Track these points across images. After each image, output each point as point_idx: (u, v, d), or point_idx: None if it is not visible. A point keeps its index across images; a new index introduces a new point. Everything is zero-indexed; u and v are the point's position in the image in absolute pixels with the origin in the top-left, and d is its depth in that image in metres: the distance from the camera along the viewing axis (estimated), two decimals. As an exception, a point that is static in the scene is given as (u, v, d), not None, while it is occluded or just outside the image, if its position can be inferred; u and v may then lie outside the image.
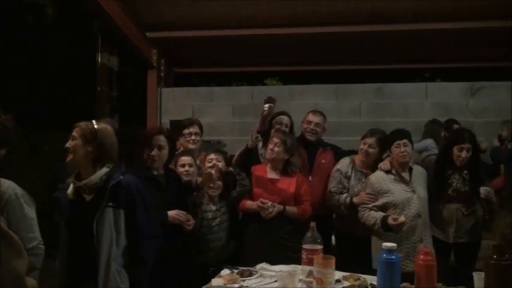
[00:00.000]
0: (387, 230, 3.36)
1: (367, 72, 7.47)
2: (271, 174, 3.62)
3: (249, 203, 3.55)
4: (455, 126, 5.06)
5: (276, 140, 3.58)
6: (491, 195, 3.56)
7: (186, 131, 3.95)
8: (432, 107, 5.92)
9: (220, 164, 3.68)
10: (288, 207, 3.50)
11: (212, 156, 3.71)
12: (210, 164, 3.64)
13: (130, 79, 8.16)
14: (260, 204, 3.44)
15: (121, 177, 2.40)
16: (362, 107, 6.15)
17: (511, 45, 5.67)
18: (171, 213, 3.15)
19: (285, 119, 4.07)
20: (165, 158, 3.22)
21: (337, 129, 5.88)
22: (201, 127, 4.10)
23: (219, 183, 3.50)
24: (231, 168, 3.66)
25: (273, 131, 3.92)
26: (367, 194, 3.53)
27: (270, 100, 3.80)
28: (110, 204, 2.36)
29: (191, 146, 3.91)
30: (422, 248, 2.39)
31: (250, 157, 3.71)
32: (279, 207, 3.47)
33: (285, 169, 3.59)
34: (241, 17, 5.67)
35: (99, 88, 7.89)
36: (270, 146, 3.59)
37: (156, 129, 3.33)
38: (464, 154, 3.57)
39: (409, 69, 7.77)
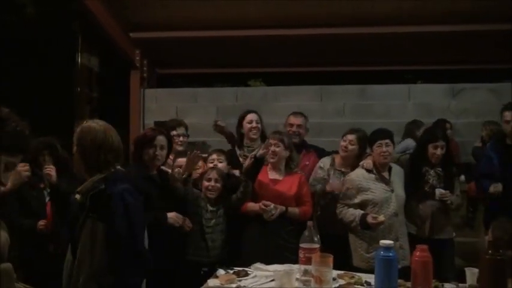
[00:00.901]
0: (365, 227, 3.41)
1: (349, 74, 7.54)
2: (273, 175, 3.61)
3: (250, 205, 3.54)
4: (448, 125, 5.18)
5: (273, 141, 3.58)
6: (446, 196, 3.62)
7: (174, 132, 3.92)
8: (415, 108, 6.02)
9: (222, 165, 3.67)
10: (289, 209, 3.51)
11: (214, 156, 3.69)
12: (212, 165, 3.62)
13: (111, 80, 8.05)
14: (262, 206, 3.43)
15: (102, 186, 2.14)
16: (345, 108, 6.21)
17: (492, 48, 5.84)
18: (171, 214, 3.13)
19: (254, 116, 4.07)
20: (164, 158, 3.22)
21: (321, 129, 5.91)
22: (187, 128, 4.10)
23: (218, 185, 3.48)
24: (234, 172, 3.64)
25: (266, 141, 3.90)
26: (347, 188, 3.56)
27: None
28: (90, 214, 2.16)
29: (179, 148, 3.89)
30: (419, 246, 2.40)
31: (259, 167, 3.61)
32: (281, 208, 3.47)
33: (288, 165, 3.61)
34: (225, 18, 5.66)
35: (78, 89, 7.78)
36: (270, 148, 3.57)
37: (158, 130, 3.30)
38: (439, 151, 3.67)
39: (390, 71, 7.88)
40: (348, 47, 6.28)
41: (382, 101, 6.13)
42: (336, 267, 2.79)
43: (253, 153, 3.55)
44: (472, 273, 2.59)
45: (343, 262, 3.20)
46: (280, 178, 3.60)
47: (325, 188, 3.74)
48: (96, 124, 2.27)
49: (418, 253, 2.34)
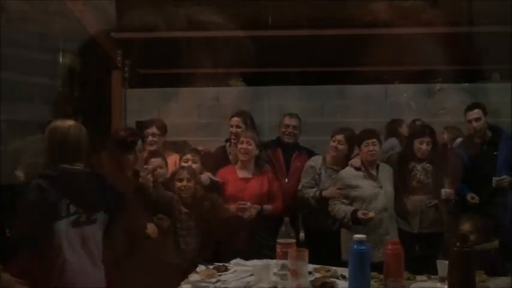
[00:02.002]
0: (356, 223, 3.53)
1: (328, 75, 7.61)
2: (243, 174, 3.68)
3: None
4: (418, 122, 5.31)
5: (244, 139, 3.66)
6: (451, 196, 3.76)
7: (148, 131, 3.98)
8: (392, 108, 6.14)
9: (196, 166, 3.70)
10: (264, 206, 3.59)
11: (188, 156, 3.73)
12: (185, 164, 3.66)
13: (93, 80, 8.01)
14: (239, 206, 3.49)
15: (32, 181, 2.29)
16: (325, 108, 6.30)
17: (469, 49, 5.97)
18: (150, 225, 3.09)
19: (236, 120, 4.11)
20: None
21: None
22: (160, 127, 4.10)
23: (190, 184, 3.49)
24: (207, 174, 3.67)
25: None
26: (339, 188, 3.68)
27: None
28: None
29: (149, 147, 3.89)
30: (390, 239, 2.49)
31: None
32: (257, 207, 3.54)
33: (257, 164, 3.68)
34: (207, 19, 5.70)
35: (60, 89, 7.72)
36: (241, 145, 3.65)
37: (137, 134, 3.27)
38: (424, 147, 3.81)
39: (368, 72, 7.98)
40: (327, 48, 6.36)
41: (360, 101, 6.24)
42: (324, 263, 2.90)
43: None
44: (443, 265, 2.67)
45: (331, 258, 3.30)
46: (250, 176, 3.67)
47: (320, 192, 3.83)
48: (54, 124, 2.40)
49: (390, 246, 2.43)
